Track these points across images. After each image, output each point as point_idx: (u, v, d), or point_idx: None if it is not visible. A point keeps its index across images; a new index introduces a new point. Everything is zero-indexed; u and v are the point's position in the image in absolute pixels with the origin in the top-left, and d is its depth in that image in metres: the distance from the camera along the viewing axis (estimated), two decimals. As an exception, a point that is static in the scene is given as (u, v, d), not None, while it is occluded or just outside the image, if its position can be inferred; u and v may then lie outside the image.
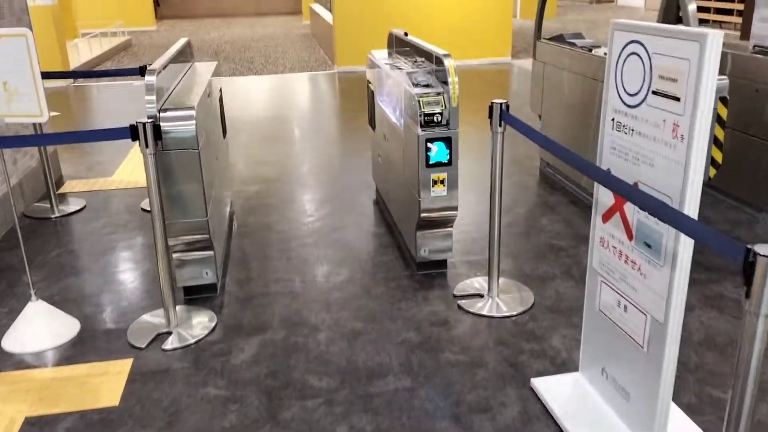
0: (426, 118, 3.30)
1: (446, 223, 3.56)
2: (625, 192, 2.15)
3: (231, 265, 3.85)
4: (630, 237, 2.30)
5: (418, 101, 3.30)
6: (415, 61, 4.01)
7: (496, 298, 3.37)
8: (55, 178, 5.44)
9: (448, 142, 3.34)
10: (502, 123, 3.08)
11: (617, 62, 2.30)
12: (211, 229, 3.30)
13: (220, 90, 4.55)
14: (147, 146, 2.89)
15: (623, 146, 2.31)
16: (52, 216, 4.72)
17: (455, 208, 3.48)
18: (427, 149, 3.34)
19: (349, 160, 5.84)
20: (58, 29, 9.86)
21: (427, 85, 3.44)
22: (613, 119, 2.35)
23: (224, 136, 4.51)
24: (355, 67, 10.59)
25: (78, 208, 4.85)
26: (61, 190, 5.26)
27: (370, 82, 4.72)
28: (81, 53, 12.00)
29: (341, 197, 4.92)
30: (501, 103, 3.06)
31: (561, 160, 2.60)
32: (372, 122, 4.72)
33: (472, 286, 3.52)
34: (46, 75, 4.07)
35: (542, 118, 5.25)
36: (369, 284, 3.57)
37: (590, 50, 4.55)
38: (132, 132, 2.89)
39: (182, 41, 4.22)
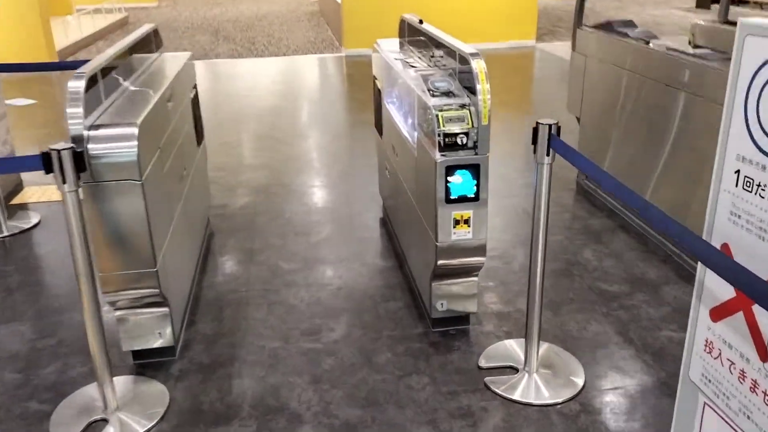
0: (447, 139, 2.48)
1: (470, 272, 2.76)
2: (756, 289, 1.34)
3: (200, 310, 3.08)
4: (764, 356, 1.49)
5: (437, 116, 2.48)
6: (432, 56, 3.18)
7: (535, 375, 2.58)
8: (13, 185, 4.68)
9: (475, 171, 2.53)
10: (551, 151, 2.27)
11: (750, 85, 1.48)
12: (163, 282, 2.52)
13: (195, 88, 3.75)
14: (64, 181, 2.11)
15: (753, 215, 1.50)
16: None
17: (483, 253, 2.68)
18: (448, 180, 2.53)
19: (353, 165, 5.03)
20: (43, 4, 9.04)
21: (448, 93, 2.62)
22: (737, 171, 1.54)
23: (199, 144, 3.71)
24: (364, 50, 9.71)
25: (29, 224, 4.09)
26: (16, 200, 4.49)
27: (376, 78, 3.89)
28: (71, 32, 11.18)
29: (342, 215, 4.12)
30: (550, 125, 2.24)
31: (647, 223, 1.77)
32: (379, 126, 3.91)
33: (504, 354, 2.73)
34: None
35: (581, 122, 4.41)
36: (370, 347, 2.79)
37: (647, 42, 3.69)
38: (44, 162, 2.10)
39: (144, 29, 3.41)
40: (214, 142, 5.63)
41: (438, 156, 2.50)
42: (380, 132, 3.88)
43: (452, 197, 2.55)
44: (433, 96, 2.61)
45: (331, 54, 9.93)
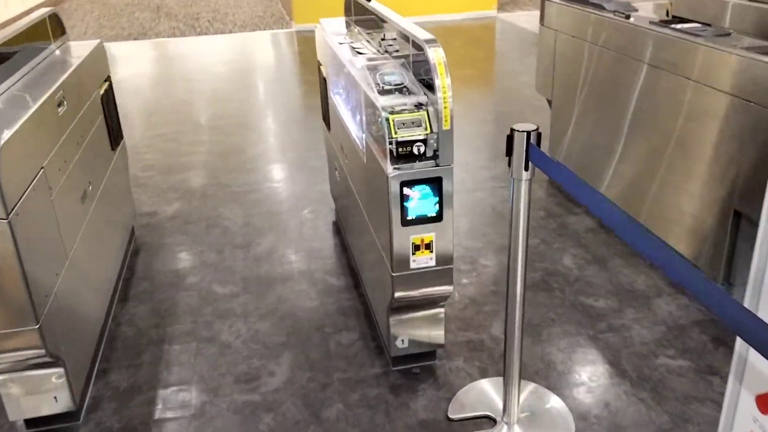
0: (400, 148, 2.00)
1: (435, 302, 2.30)
2: None
3: (115, 354, 2.57)
4: None
5: (387, 120, 2.00)
6: (383, 40, 2.68)
7: (516, 426, 2.15)
8: None
9: (436, 185, 2.06)
10: (530, 165, 1.80)
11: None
12: (50, 339, 2.01)
13: (107, 81, 3.18)
14: None
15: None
16: None
17: (449, 281, 2.22)
18: (404, 198, 2.05)
19: (303, 160, 4.52)
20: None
21: (400, 89, 2.14)
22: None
23: (114, 147, 3.16)
24: (317, 24, 9.10)
25: None
26: None
27: (321, 64, 3.38)
28: (-3, 11, 10.30)
29: (288, 221, 3.63)
30: (528, 132, 1.78)
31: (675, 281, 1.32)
32: (326, 118, 3.41)
33: (478, 399, 2.29)
34: None
35: (554, 106, 3.96)
36: (319, 396, 2.32)
37: (627, 17, 3.24)
38: None
39: (38, 13, 2.83)
40: (145, 136, 5.05)
41: (390, 169, 2.02)
42: (328, 125, 3.38)
43: (409, 218, 2.08)
44: (382, 93, 2.12)
45: (281, 30, 9.29)
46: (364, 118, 2.29)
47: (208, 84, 6.50)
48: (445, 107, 1.98)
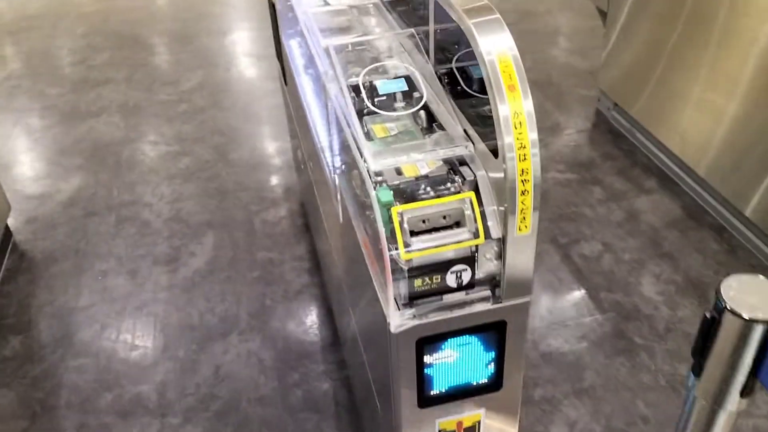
0: (417, 280, 0.90)
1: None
2: None
3: None
4: None
5: (385, 212, 0.87)
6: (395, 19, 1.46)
7: None
8: None
9: (494, 336, 0.98)
10: (754, 386, 0.72)
11: None
12: None
13: None
14: None
15: None
16: None
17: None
18: (423, 365, 0.97)
19: (256, 129, 3.31)
20: None
21: (410, 111, 0.99)
22: None
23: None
24: None
25: None
26: None
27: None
28: None
29: (225, 242, 2.53)
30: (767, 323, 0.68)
31: None
32: (282, 64, 2.21)
33: None
34: None
35: (610, 17, 2.73)
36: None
37: None
38: None
39: None
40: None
41: (396, 318, 0.93)
42: (284, 76, 2.19)
43: (434, 393, 1.02)
44: (370, 120, 0.99)
45: None
46: (336, 155, 1.16)
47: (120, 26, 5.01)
48: (523, 183, 0.86)
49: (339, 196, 1.23)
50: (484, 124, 1.02)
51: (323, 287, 2.13)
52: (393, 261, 0.89)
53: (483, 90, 0.93)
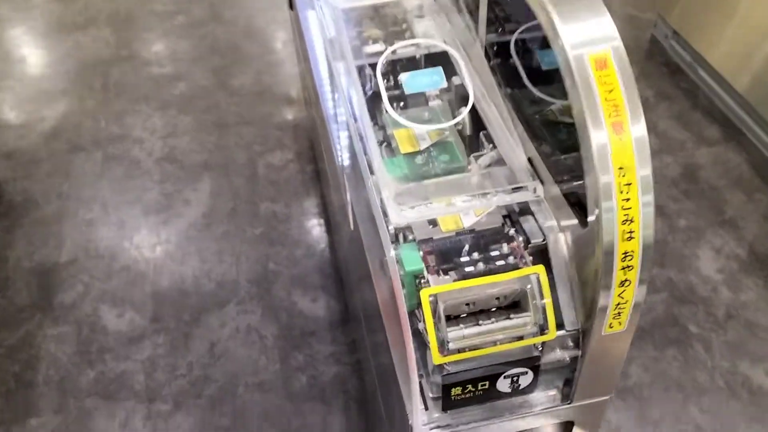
0: (456, 390, 0.63)
1: None
2: None
3: None
4: None
5: (414, 293, 0.59)
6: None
7: None
8: None
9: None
10: None
11: None
12: None
13: None
14: None
15: None
16: None
17: None
18: (458, 470, 0.72)
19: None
20: None
21: (443, 122, 0.69)
22: None
23: None
24: None
25: None
26: None
27: None
28: None
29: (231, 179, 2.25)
30: None
31: None
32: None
33: None
34: None
35: None
36: None
37: None
38: None
39: None
40: None
41: (421, 416, 0.67)
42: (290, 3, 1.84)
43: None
44: (391, 149, 0.69)
45: None
46: (344, 154, 0.87)
47: None
48: (625, 257, 0.57)
49: (349, 204, 0.94)
50: (553, 135, 0.72)
51: (334, 250, 1.88)
52: (421, 359, 0.62)
53: (551, 79, 0.63)
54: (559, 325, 0.62)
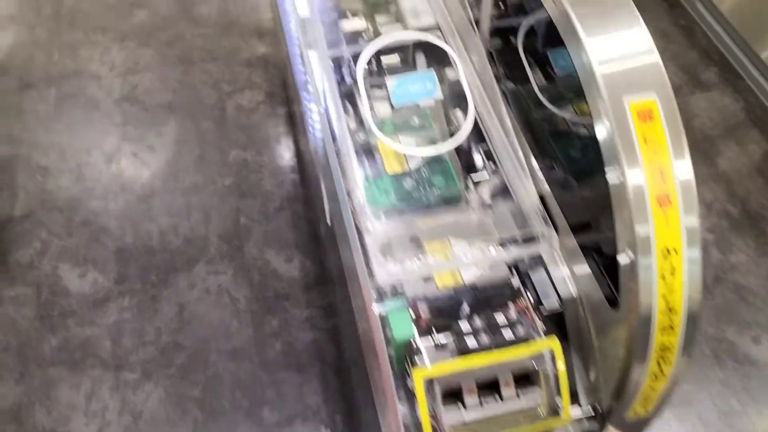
0: None
1: None
2: None
3: None
4: None
5: (408, 371, 0.51)
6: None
7: None
8: None
9: None
10: None
11: None
12: None
13: None
14: None
15: None
16: None
17: None
18: None
19: None
20: None
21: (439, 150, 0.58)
22: None
23: None
24: None
25: None
26: None
27: None
28: None
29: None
30: None
31: None
32: None
33: None
34: None
35: None
36: None
37: None
38: None
39: None
40: None
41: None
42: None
43: None
44: (376, 166, 0.58)
45: None
46: (320, 164, 0.75)
47: None
48: (663, 331, 0.48)
49: (324, 198, 0.84)
50: (565, 150, 0.61)
51: (310, 205, 1.77)
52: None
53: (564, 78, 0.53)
54: (573, 400, 0.54)
